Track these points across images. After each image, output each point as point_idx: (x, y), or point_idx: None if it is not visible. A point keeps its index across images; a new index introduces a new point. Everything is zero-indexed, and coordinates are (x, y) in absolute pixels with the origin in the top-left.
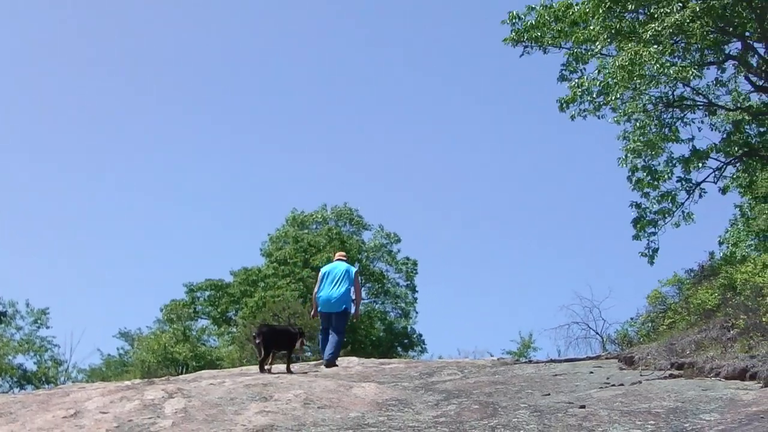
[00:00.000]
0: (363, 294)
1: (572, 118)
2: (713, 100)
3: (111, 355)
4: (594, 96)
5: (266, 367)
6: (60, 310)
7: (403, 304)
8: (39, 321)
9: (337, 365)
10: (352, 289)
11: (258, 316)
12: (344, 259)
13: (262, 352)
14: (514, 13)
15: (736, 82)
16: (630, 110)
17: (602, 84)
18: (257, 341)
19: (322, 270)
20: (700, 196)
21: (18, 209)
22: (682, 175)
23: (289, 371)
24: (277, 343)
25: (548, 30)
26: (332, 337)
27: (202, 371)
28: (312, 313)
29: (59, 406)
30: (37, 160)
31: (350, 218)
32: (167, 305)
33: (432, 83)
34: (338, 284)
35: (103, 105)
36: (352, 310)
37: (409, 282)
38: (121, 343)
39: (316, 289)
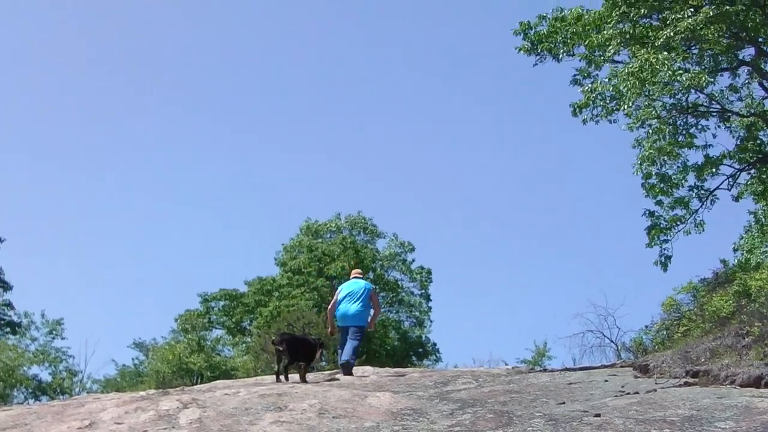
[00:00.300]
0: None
1: (584, 122)
2: (727, 107)
3: (126, 365)
4: (607, 101)
5: (281, 376)
6: (75, 321)
7: (417, 313)
8: (54, 332)
9: (353, 374)
10: (370, 304)
11: (273, 326)
12: (360, 276)
13: (285, 361)
14: (526, 22)
15: (749, 88)
16: (643, 116)
17: (614, 89)
18: (280, 349)
19: (341, 288)
20: (713, 203)
21: (30, 217)
22: (696, 182)
23: (304, 381)
24: (299, 353)
25: (561, 35)
26: (350, 343)
27: (217, 381)
28: (329, 329)
29: (74, 417)
30: (42, 164)
31: (364, 227)
32: (182, 315)
33: (447, 88)
34: (356, 301)
35: (117, 106)
36: (367, 324)
37: (423, 291)
38: (135, 354)
39: (331, 306)
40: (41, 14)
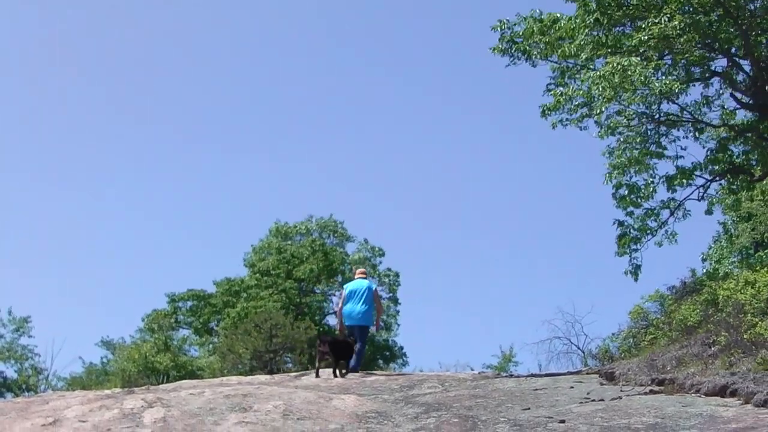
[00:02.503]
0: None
1: (553, 126)
2: (699, 117)
3: (93, 363)
4: (577, 105)
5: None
6: (43, 319)
7: (384, 317)
8: (21, 329)
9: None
10: (374, 304)
11: (240, 327)
12: (364, 276)
13: (326, 360)
14: (504, 21)
15: (721, 99)
16: (614, 125)
17: (586, 94)
18: (323, 350)
19: (346, 287)
20: (684, 217)
21: None
22: (666, 193)
23: (343, 376)
24: (341, 352)
25: (535, 43)
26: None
27: (182, 381)
28: (338, 327)
29: (38, 414)
30: (8, 163)
31: (334, 230)
32: (149, 315)
33: (421, 92)
34: (361, 301)
35: (83, 111)
36: (373, 325)
37: (391, 294)
38: (103, 352)
39: (341, 305)
40: None
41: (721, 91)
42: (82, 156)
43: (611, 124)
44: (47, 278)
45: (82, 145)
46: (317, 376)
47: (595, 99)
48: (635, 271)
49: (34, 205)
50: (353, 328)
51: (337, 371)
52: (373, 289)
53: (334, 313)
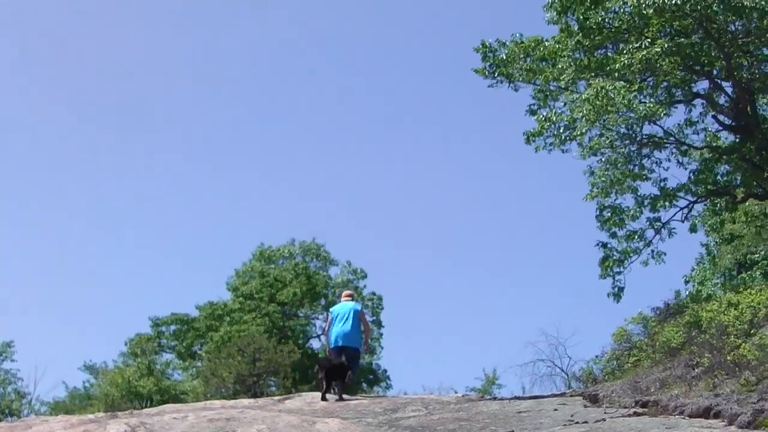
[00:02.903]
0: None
1: (536, 150)
2: (681, 139)
3: (76, 387)
4: (561, 130)
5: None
6: (26, 343)
7: (369, 340)
8: (3, 354)
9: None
10: (361, 325)
11: (223, 351)
12: (350, 298)
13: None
14: (486, 42)
15: (704, 121)
16: (596, 146)
17: (569, 119)
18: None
19: (332, 310)
20: (670, 236)
21: None
22: (650, 215)
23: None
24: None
25: (518, 67)
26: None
27: (166, 405)
28: (328, 350)
29: None
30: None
31: (317, 254)
32: (132, 339)
33: (401, 116)
34: (345, 322)
35: (66, 135)
36: (362, 346)
37: (374, 317)
38: (86, 376)
39: (327, 328)
40: None
41: (703, 114)
42: (66, 178)
43: (593, 145)
44: (30, 303)
45: (64, 167)
46: (323, 399)
47: (578, 121)
48: (618, 293)
49: (16, 228)
50: (341, 349)
51: (326, 395)
52: (359, 310)
53: (318, 337)
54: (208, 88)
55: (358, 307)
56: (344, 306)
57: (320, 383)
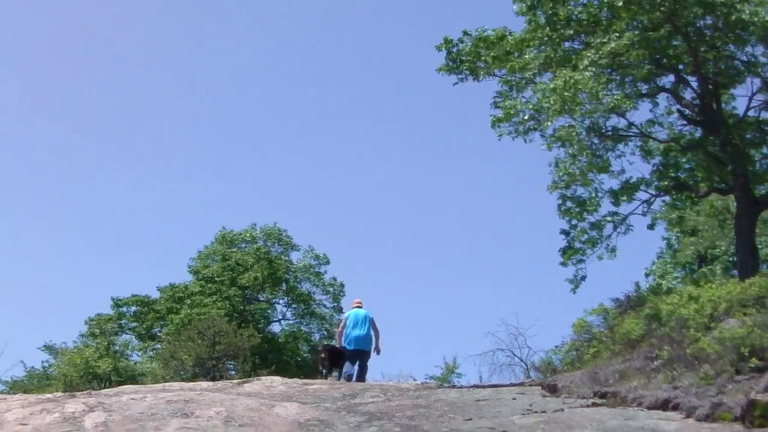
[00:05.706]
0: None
1: (500, 137)
2: (645, 131)
3: (35, 367)
4: (525, 118)
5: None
6: None
7: (328, 326)
8: None
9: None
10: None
11: (183, 334)
12: (360, 306)
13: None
14: (449, 38)
15: (670, 117)
16: (560, 137)
17: (535, 107)
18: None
19: (347, 314)
20: (626, 232)
21: None
22: (610, 207)
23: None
24: (337, 360)
25: (482, 59)
26: (358, 368)
27: (124, 386)
28: (338, 343)
29: None
30: None
31: (279, 238)
32: (92, 319)
33: (362, 105)
34: (361, 327)
35: (34, 119)
36: (373, 347)
37: (335, 304)
38: (46, 356)
39: (340, 329)
40: None
41: (668, 108)
42: (26, 159)
43: (557, 136)
44: None
45: (26, 149)
46: (326, 378)
47: (544, 111)
48: (578, 282)
49: None
50: (358, 351)
51: (330, 377)
52: (371, 317)
53: (279, 321)
54: (178, 74)
55: (371, 314)
56: (359, 313)
57: (322, 363)
